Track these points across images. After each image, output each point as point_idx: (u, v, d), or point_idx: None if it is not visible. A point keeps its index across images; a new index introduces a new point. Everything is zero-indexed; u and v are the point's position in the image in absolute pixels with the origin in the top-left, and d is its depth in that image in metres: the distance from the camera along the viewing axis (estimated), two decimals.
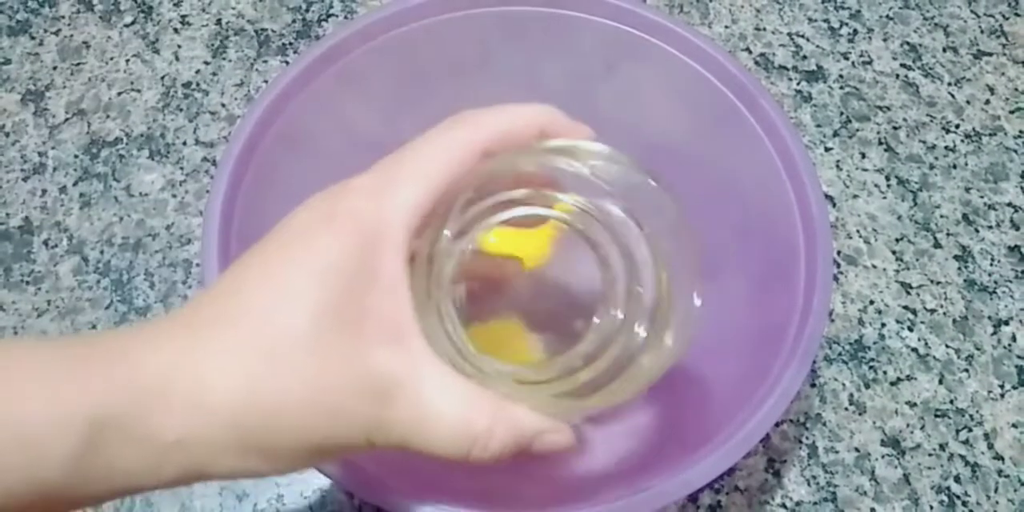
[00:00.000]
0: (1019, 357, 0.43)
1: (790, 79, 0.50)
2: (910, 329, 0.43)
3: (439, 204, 0.23)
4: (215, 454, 0.20)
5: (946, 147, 0.48)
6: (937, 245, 0.45)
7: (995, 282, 0.45)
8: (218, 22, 0.51)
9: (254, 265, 0.22)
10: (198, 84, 0.49)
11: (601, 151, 0.24)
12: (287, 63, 0.50)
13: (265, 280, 0.21)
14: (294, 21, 0.51)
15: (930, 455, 0.40)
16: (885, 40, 0.51)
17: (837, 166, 0.47)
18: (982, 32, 0.52)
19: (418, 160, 0.22)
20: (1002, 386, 0.42)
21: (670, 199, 0.24)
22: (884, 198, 0.47)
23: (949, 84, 0.50)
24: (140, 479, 0.20)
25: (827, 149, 0.48)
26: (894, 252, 0.45)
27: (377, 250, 0.21)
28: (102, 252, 0.45)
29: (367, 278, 0.21)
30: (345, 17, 0.52)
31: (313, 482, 0.39)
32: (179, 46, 0.51)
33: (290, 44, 0.51)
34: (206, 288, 0.22)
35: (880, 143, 0.48)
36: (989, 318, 0.44)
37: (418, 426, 0.21)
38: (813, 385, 0.42)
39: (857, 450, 0.40)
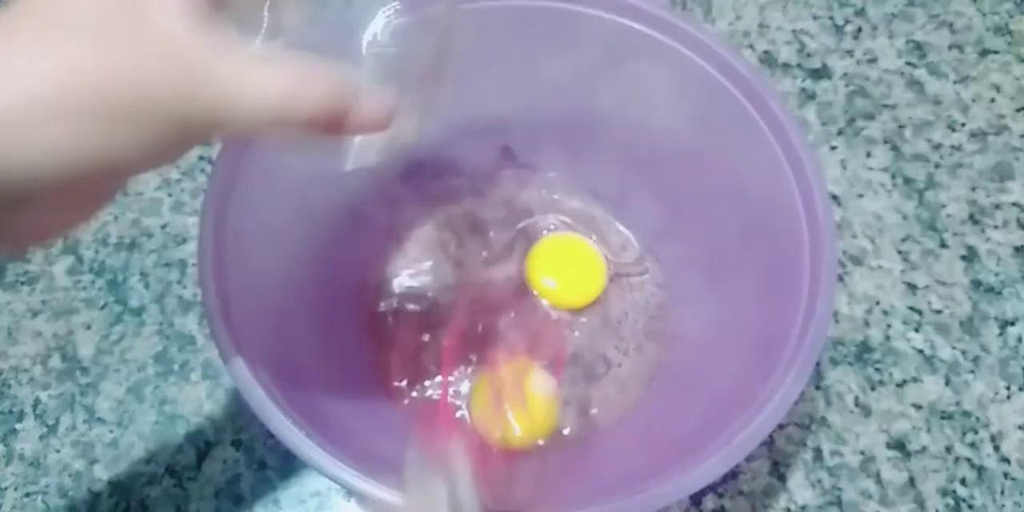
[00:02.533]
0: None
1: (795, 77, 0.50)
2: (916, 330, 0.43)
3: None
4: (31, 124, 0.19)
5: (952, 146, 0.48)
6: (943, 245, 0.45)
7: (1002, 283, 0.44)
8: None
9: None
10: None
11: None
12: None
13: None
14: None
15: (936, 458, 0.40)
16: (890, 38, 0.51)
17: (842, 165, 0.47)
18: (987, 30, 0.51)
19: None
20: (1008, 388, 0.41)
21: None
22: (890, 197, 0.46)
23: (955, 82, 0.50)
24: None
25: (832, 148, 0.47)
26: (900, 252, 0.45)
27: None
28: (97, 252, 0.44)
29: None
30: None
31: (311, 486, 0.39)
32: None
33: None
34: None
35: (885, 142, 0.48)
36: (996, 319, 0.43)
37: (230, 84, 0.20)
38: (818, 387, 0.41)
39: (862, 453, 0.40)
